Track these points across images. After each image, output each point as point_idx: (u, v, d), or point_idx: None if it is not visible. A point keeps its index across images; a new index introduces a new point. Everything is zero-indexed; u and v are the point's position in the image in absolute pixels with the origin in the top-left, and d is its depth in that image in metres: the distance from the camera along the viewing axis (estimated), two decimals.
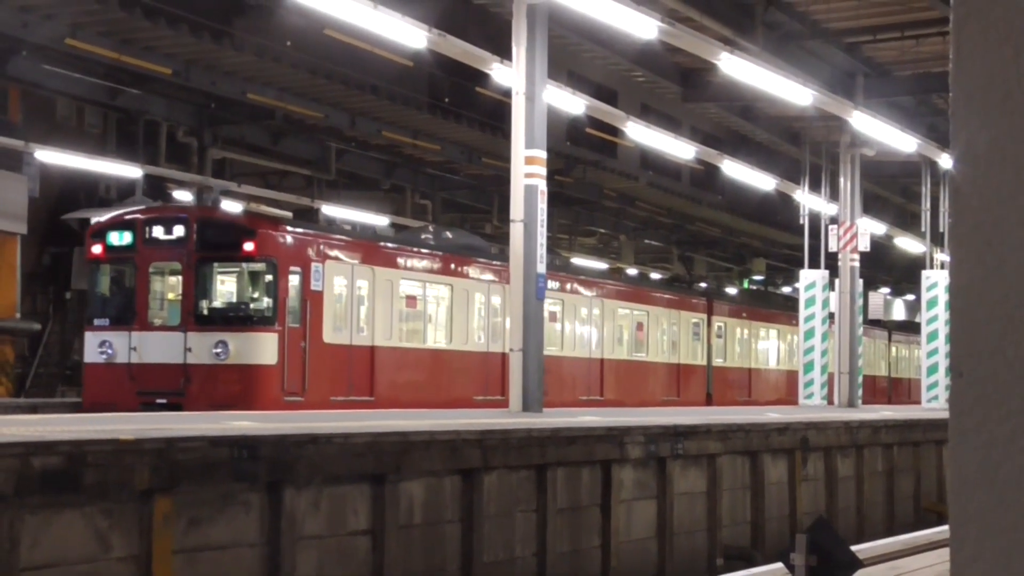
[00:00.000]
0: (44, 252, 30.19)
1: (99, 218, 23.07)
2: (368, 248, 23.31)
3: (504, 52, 18.93)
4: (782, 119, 32.58)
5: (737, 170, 30.51)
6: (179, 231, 21.31)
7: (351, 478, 9.96)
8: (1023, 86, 1.88)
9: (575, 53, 28.34)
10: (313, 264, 21.52)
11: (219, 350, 20.62)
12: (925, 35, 25.06)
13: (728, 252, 53.88)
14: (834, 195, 31.39)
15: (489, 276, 25.83)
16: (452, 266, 24.97)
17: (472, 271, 25.56)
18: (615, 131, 29.63)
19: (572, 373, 28.76)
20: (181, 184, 30.13)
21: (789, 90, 21.93)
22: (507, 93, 19.11)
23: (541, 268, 18.08)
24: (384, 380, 22.90)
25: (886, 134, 26.60)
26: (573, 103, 23.07)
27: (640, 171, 37.47)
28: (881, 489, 19.36)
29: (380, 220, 36.15)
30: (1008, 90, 1.89)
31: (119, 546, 8.15)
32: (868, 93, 27.85)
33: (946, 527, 1.94)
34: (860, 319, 31.68)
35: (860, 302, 31.51)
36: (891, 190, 42.18)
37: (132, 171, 28.19)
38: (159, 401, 20.42)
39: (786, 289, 54.95)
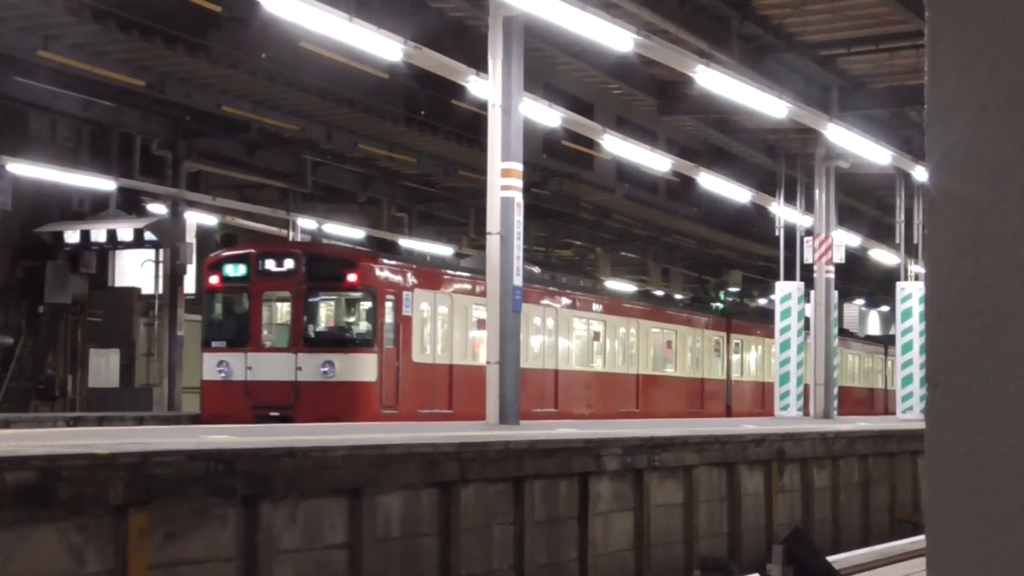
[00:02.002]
0: (17, 266, 30.05)
1: (218, 253, 25.91)
2: (447, 277, 25.99)
3: (480, 65, 18.94)
4: (758, 132, 32.68)
5: (713, 182, 30.59)
6: (289, 264, 23.92)
7: (328, 491, 9.94)
8: (998, 98, 1.89)
9: (551, 66, 28.40)
10: (404, 292, 24.15)
11: (326, 369, 23.07)
12: (899, 48, 25.19)
13: (704, 264, 54.02)
14: (809, 207, 31.49)
15: (543, 300, 28.71)
16: None
17: (529, 295, 27.13)
18: (591, 144, 29.70)
19: (612, 388, 31.39)
20: (155, 197, 30.08)
21: (764, 102, 22.00)
22: (483, 106, 19.12)
23: (518, 281, 18.08)
24: (460, 395, 24.99)
25: (861, 146, 26.69)
26: (549, 116, 23.10)
27: (616, 183, 37.54)
28: (857, 500, 19.40)
29: (356, 233, 36.15)
30: (983, 102, 1.90)
31: (94, 561, 8.11)
32: (843, 106, 27.97)
33: (922, 537, 1.95)
34: (835, 330, 31.77)
35: (835, 314, 31.60)
36: (866, 202, 42.35)
37: (106, 184, 28.10)
38: (272, 414, 22.55)
39: (762, 301, 55.11)
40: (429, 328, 24.92)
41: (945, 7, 1.92)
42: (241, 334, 23.91)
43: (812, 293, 30.89)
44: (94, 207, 30.28)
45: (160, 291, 31.37)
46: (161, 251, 31.08)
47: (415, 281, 24.56)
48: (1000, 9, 1.88)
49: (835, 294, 31.21)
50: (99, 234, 29.28)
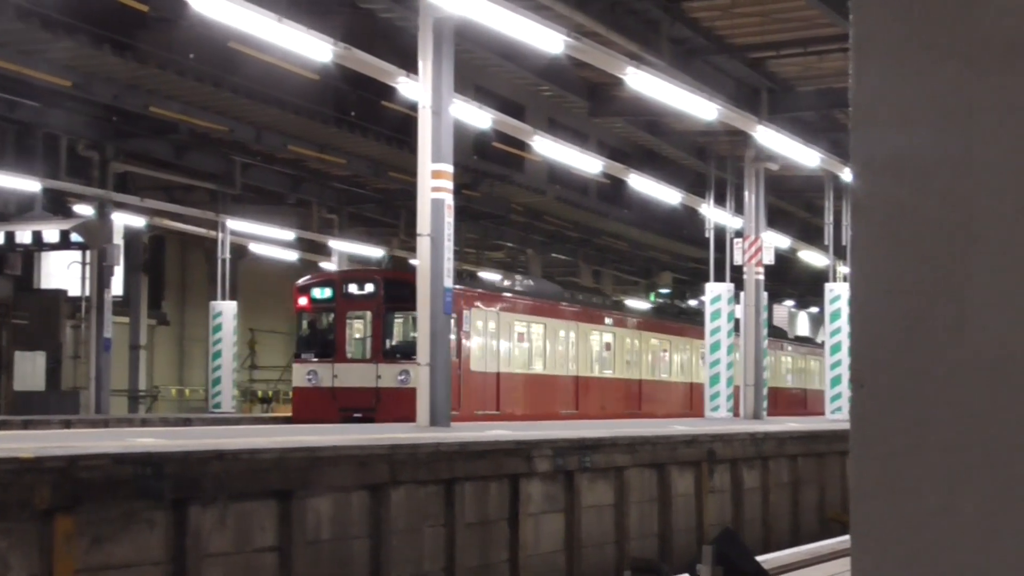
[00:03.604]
0: None
1: (307, 279, 29.88)
2: (494, 298, 29.80)
3: (410, 66, 18.90)
4: (688, 134, 32.83)
5: (644, 184, 30.71)
6: (369, 288, 27.95)
7: (258, 494, 9.88)
8: (920, 103, 1.91)
9: (482, 67, 28.37)
10: (464, 312, 27.61)
11: (402, 376, 26.56)
12: (827, 51, 25.39)
13: (635, 266, 54.21)
14: (739, 209, 31.68)
15: (566, 316, 32.46)
16: (544, 310, 31.57)
17: (555, 312, 32.01)
18: (522, 145, 29.71)
19: (620, 392, 34.96)
20: (82, 198, 29.77)
21: (694, 104, 22.11)
22: (414, 107, 19.08)
23: (448, 282, 18.07)
24: (505, 398, 28.95)
25: (790, 149, 26.90)
26: (480, 117, 23.09)
27: (547, 185, 37.56)
28: (786, 500, 19.54)
29: (286, 235, 35.98)
30: (906, 106, 1.92)
31: (19, 567, 8.01)
32: (772, 108, 28.15)
33: (849, 536, 1.96)
34: (765, 331, 31.99)
35: (765, 315, 31.81)
36: (795, 204, 42.63)
37: (31, 185, 27.74)
38: (355, 416, 25.99)
39: (692, 302, 55.42)
40: (482, 341, 28.62)
41: (869, 13, 1.94)
42: (328, 347, 27.82)
43: (742, 294, 31.08)
44: (19, 208, 29.87)
45: (87, 293, 31.05)
46: (88, 253, 30.76)
47: (472, 302, 28.28)
48: (922, 16, 1.90)
49: (765, 295, 31.41)
50: (24, 235, 28.88)
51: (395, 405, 25.62)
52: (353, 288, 28.08)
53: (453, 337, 26.52)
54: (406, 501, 11.46)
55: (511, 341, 30.01)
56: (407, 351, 26.61)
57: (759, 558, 11.91)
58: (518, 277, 36.00)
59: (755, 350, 30.66)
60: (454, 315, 26.24)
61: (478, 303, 28.79)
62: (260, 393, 43.78)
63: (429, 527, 11.81)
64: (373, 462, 10.95)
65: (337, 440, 11.65)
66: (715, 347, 31.28)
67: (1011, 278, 1.84)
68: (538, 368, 31.18)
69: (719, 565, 10.55)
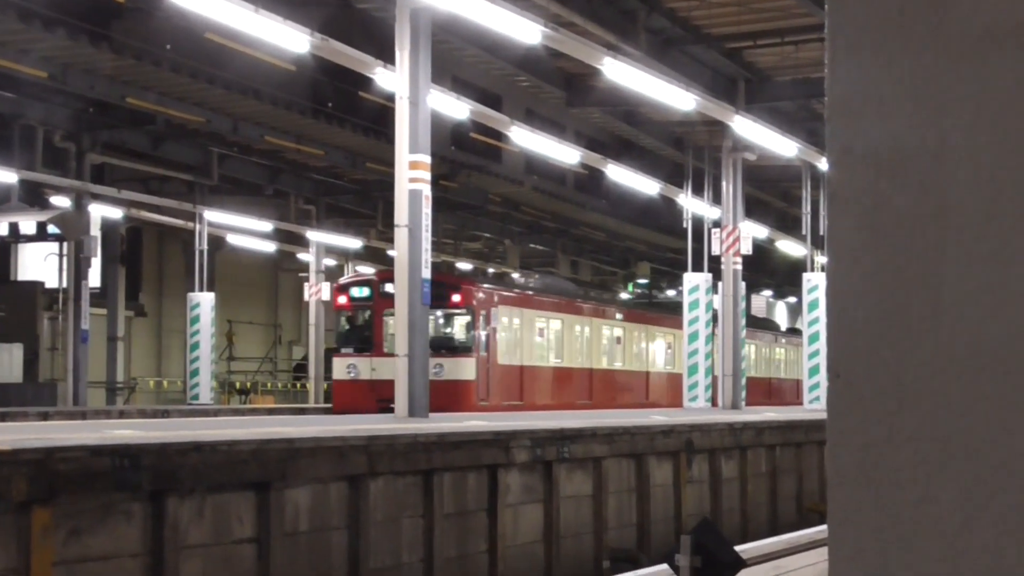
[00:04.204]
0: None
1: (344, 280, 32.39)
2: (518, 296, 31.54)
3: (388, 57, 18.86)
4: (665, 124, 32.86)
5: (621, 174, 30.72)
6: None
7: (236, 486, 9.86)
8: (896, 93, 1.91)
9: (459, 58, 28.35)
10: (492, 309, 29.58)
11: (436, 369, 26.86)
12: (804, 41, 25.44)
13: (613, 256, 54.27)
14: (717, 199, 31.72)
15: (581, 312, 34.11)
16: (561, 305, 33.20)
17: (572, 308, 33.65)
18: (500, 136, 29.72)
19: (630, 382, 36.49)
20: (59, 190, 29.65)
21: (672, 95, 22.13)
22: (391, 98, 19.06)
23: (426, 273, 18.05)
24: (528, 389, 30.75)
25: (767, 138, 26.94)
26: (457, 108, 23.07)
27: (525, 176, 37.56)
28: (764, 490, 19.59)
29: (264, 226, 35.90)
30: (882, 96, 1.92)
31: None
32: (749, 98, 28.18)
33: (826, 526, 1.97)
34: (743, 321, 32.06)
35: (743, 305, 31.87)
36: (773, 194, 42.73)
37: (7, 176, 27.63)
38: (392, 406, 27.50)
39: (671, 293, 55.51)
40: (508, 336, 30.28)
41: (844, 2, 1.94)
42: (366, 343, 29.44)
43: (720, 284, 31.13)
44: None
45: (64, 285, 30.94)
46: (65, 244, 30.65)
47: (498, 299, 29.98)
48: (897, 4, 1.90)
49: (743, 285, 31.48)
50: (0, 227, 28.75)
51: (429, 396, 27.11)
52: (390, 287, 29.00)
53: (484, 333, 29.05)
54: (384, 492, 11.45)
55: (533, 336, 31.58)
56: (441, 346, 27.88)
57: (737, 548, 11.93)
58: (536, 275, 37.92)
59: (733, 340, 30.72)
60: (483, 312, 29.10)
61: (504, 301, 30.34)
62: (238, 384, 43.72)
63: (407, 518, 11.81)
64: (351, 453, 10.95)
65: (315, 431, 11.63)
66: (693, 337, 31.32)
67: (987, 268, 1.84)
68: (557, 361, 32.81)
69: (697, 555, 10.57)
